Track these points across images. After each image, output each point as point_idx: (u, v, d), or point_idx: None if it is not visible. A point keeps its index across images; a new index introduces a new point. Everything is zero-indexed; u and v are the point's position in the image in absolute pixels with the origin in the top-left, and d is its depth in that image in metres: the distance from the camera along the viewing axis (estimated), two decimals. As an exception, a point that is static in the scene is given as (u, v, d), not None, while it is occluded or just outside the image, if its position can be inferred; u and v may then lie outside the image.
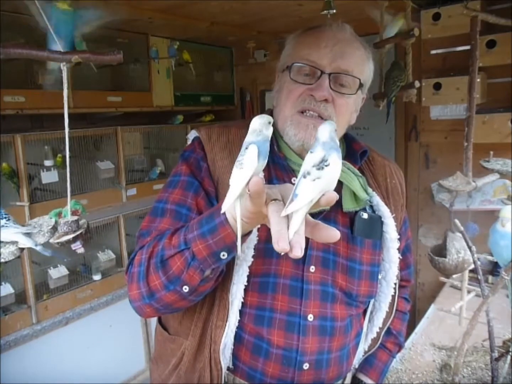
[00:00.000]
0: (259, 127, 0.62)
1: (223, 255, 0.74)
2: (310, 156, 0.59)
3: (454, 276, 1.47)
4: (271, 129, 0.63)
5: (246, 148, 0.61)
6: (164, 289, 0.80)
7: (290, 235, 0.56)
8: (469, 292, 1.51)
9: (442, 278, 1.53)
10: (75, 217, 0.74)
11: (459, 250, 1.38)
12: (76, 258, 2.16)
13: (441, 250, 1.42)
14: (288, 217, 0.58)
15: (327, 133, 0.60)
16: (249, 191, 0.58)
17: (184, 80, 2.60)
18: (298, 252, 0.55)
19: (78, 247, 0.76)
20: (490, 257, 1.37)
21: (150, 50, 2.32)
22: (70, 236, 0.73)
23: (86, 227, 0.76)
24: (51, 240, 0.73)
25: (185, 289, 0.78)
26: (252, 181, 0.57)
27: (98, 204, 2.10)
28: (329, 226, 0.60)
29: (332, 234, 0.59)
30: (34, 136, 1.84)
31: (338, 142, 0.61)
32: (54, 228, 0.73)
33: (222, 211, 0.67)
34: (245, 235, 0.75)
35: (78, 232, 0.74)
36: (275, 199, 0.60)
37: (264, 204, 0.60)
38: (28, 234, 0.71)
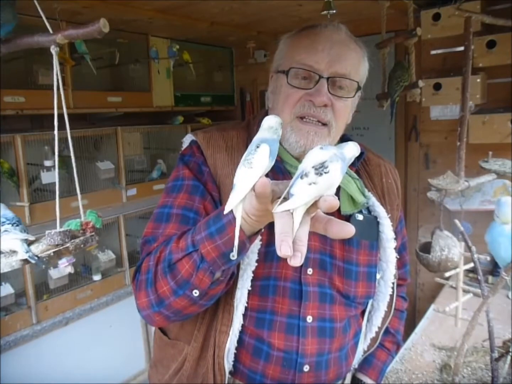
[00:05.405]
0: (276, 126, 0.60)
1: (233, 256, 0.72)
2: (317, 152, 0.56)
3: (447, 275, 1.47)
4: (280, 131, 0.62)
5: (258, 146, 0.58)
6: (174, 294, 0.78)
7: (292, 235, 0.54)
8: (465, 292, 1.51)
9: (438, 279, 1.53)
10: (65, 229, 0.64)
11: (443, 248, 1.39)
12: (76, 258, 2.16)
13: (429, 247, 1.43)
14: (292, 217, 0.55)
15: (350, 150, 0.58)
16: (254, 191, 0.57)
17: (184, 80, 2.60)
18: (297, 261, 0.54)
19: (64, 265, 0.67)
20: (489, 257, 1.36)
21: (150, 50, 2.32)
22: (50, 251, 0.63)
23: (78, 242, 0.64)
24: (38, 253, 0.64)
25: (195, 293, 0.76)
26: (260, 183, 0.55)
27: (98, 204, 2.10)
28: (343, 222, 0.58)
29: (346, 229, 0.57)
30: (34, 136, 1.84)
31: (351, 161, 0.60)
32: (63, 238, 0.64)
33: (225, 212, 0.65)
34: (255, 234, 0.72)
35: (60, 247, 0.63)
36: (279, 198, 0.58)
37: (270, 202, 0.58)
38: (26, 241, 0.64)
